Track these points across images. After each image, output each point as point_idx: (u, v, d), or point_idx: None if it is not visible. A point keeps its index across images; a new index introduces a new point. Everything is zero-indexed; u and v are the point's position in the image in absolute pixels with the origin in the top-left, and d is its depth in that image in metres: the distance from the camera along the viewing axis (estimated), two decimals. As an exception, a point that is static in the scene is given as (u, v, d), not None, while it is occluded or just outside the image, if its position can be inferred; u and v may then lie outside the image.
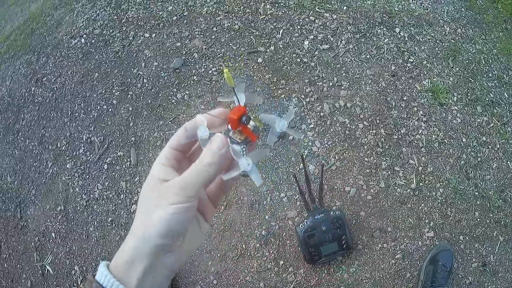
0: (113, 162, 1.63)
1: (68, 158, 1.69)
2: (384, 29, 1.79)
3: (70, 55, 1.94)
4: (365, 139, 1.55)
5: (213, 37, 1.81)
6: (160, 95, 1.72)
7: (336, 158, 1.52)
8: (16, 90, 1.96)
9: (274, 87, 1.66)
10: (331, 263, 1.37)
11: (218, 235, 1.44)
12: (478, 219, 1.43)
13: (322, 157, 1.52)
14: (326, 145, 1.54)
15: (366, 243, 1.40)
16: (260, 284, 1.37)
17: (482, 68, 1.73)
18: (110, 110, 1.74)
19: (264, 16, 1.84)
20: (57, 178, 1.67)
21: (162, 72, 1.77)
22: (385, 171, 1.49)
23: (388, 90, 1.64)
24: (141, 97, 1.73)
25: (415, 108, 1.61)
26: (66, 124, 1.76)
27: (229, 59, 1.75)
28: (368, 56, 1.72)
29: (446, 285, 1.29)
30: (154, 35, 1.87)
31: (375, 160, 1.51)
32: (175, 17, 1.90)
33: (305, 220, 1.29)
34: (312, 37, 1.76)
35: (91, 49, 1.91)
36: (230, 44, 1.78)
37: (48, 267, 1.53)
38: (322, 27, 1.79)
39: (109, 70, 1.83)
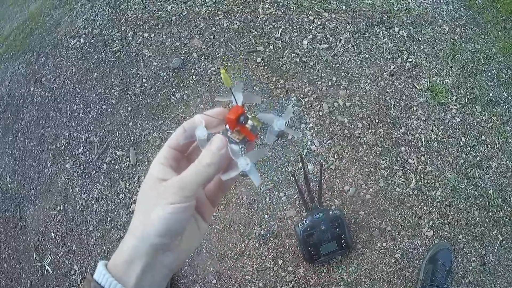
0: (112, 161, 1.63)
1: (67, 158, 1.69)
2: (383, 28, 1.79)
3: (69, 55, 1.94)
4: (364, 139, 1.55)
5: (212, 36, 1.81)
6: (159, 94, 1.72)
7: (335, 157, 1.52)
8: (16, 90, 1.96)
9: (273, 87, 1.66)
10: (330, 263, 1.37)
11: (217, 234, 1.44)
12: (478, 218, 1.43)
13: (321, 157, 1.52)
14: (325, 144, 1.54)
15: (365, 242, 1.40)
16: (259, 284, 1.37)
17: (481, 67, 1.73)
18: (109, 110, 1.74)
19: (263, 15, 1.84)
20: (57, 178, 1.67)
21: (161, 71, 1.77)
22: (384, 171, 1.49)
23: (387, 90, 1.64)
24: (140, 97, 1.73)
25: (414, 108, 1.61)
26: (65, 124, 1.76)
27: (228, 59, 1.75)
28: (367, 56, 1.72)
29: (446, 284, 1.29)
30: (153, 35, 1.87)
31: (374, 160, 1.51)
32: (174, 17, 1.90)
33: (304, 220, 1.29)
34: (311, 36, 1.76)
35: (90, 49, 1.91)
36: (229, 44, 1.78)
37: (47, 267, 1.53)
38: (321, 26, 1.79)
39: (108, 70, 1.83)
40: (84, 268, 1.51)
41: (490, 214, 1.44)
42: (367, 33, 1.77)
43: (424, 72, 1.69)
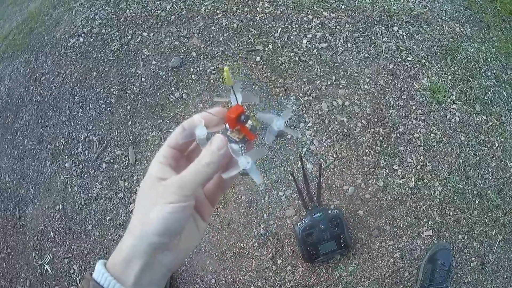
0: (112, 161, 1.63)
1: (66, 157, 1.69)
2: (383, 27, 1.79)
3: (68, 54, 1.94)
4: (364, 138, 1.54)
5: (211, 35, 1.81)
6: (158, 94, 1.72)
7: (334, 156, 1.52)
8: (15, 90, 1.96)
9: (272, 86, 1.66)
10: (329, 262, 1.37)
11: (216, 234, 1.44)
12: (477, 218, 1.43)
13: (320, 156, 1.52)
14: (324, 143, 1.54)
15: (364, 241, 1.40)
16: (258, 283, 1.37)
17: (480, 67, 1.73)
18: (108, 109, 1.74)
19: (262, 14, 1.84)
20: (56, 177, 1.67)
21: (160, 71, 1.76)
22: (384, 170, 1.49)
23: (387, 89, 1.64)
24: (140, 96, 1.73)
25: (414, 107, 1.61)
26: (65, 123, 1.76)
27: (227, 58, 1.75)
28: (366, 55, 1.72)
29: (445, 284, 1.29)
30: (152, 34, 1.87)
31: (373, 159, 1.51)
32: (173, 16, 1.90)
33: (303, 219, 1.28)
34: (310, 35, 1.76)
35: (89, 48, 1.91)
36: (228, 43, 1.78)
37: (46, 266, 1.53)
38: (320, 25, 1.79)
39: (107, 69, 1.83)
40: (83, 268, 1.51)
41: (490, 214, 1.44)
42: (366, 32, 1.77)
43: (424, 72, 1.69)
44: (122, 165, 1.61)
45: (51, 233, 1.58)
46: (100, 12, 2.02)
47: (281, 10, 1.84)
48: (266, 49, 1.75)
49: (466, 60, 1.74)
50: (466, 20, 1.86)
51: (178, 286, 1.40)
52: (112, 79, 1.80)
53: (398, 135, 1.55)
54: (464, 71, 1.71)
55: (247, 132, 0.36)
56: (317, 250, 1.28)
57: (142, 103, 1.72)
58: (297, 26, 1.79)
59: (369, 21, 1.80)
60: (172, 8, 1.93)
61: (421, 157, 1.51)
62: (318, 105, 1.61)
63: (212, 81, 1.71)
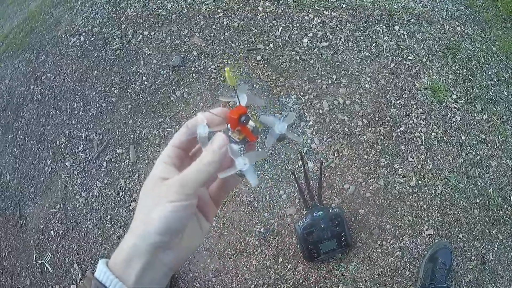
0: (112, 159, 1.63)
1: (67, 156, 1.69)
2: (384, 26, 1.79)
3: (69, 53, 1.94)
4: (364, 137, 1.54)
5: (212, 34, 1.81)
6: (159, 92, 1.72)
7: (335, 155, 1.52)
8: (16, 89, 1.96)
9: (273, 85, 1.66)
10: (330, 261, 1.37)
11: (217, 232, 1.44)
12: (477, 217, 1.43)
13: (321, 155, 1.52)
14: (325, 142, 1.54)
15: (365, 240, 1.40)
16: (259, 282, 1.37)
17: (481, 66, 1.73)
18: (109, 107, 1.74)
19: (263, 13, 1.84)
20: (56, 176, 1.67)
21: (161, 69, 1.76)
22: (384, 169, 1.49)
23: (387, 88, 1.64)
24: (140, 95, 1.73)
25: (414, 106, 1.61)
26: (65, 122, 1.76)
27: (228, 57, 1.75)
28: (367, 54, 1.72)
29: (445, 283, 1.28)
30: (153, 33, 1.87)
31: (374, 158, 1.51)
32: (174, 15, 1.90)
33: (304, 218, 1.28)
34: (311, 34, 1.76)
35: (90, 47, 1.91)
36: (229, 42, 1.78)
37: (47, 265, 1.53)
38: (321, 24, 1.79)
39: (108, 68, 1.83)
40: (84, 266, 1.51)
41: (490, 213, 1.44)
42: (367, 31, 1.77)
43: (425, 71, 1.69)
44: (122, 164, 1.61)
45: (52, 232, 1.58)
46: (101, 11, 2.02)
47: (282, 9, 1.84)
48: (267, 48, 1.75)
49: (467, 59, 1.74)
50: (467, 19, 1.86)
51: (179, 285, 1.40)
52: (112, 78, 1.80)
53: (399, 134, 1.55)
54: (465, 70, 1.71)
55: (248, 133, 0.36)
56: (317, 249, 1.28)
57: (143, 102, 1.72)
58: (298, 25, 1.79)
59: (370, 20, 1.80)
60: (173, 7, 1.93)
61: (422, 156, 1.51)
62: (319, 104, 1.61)
63: (213, 80, 1.71)
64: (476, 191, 1.47)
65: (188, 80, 1.72)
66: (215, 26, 1.83)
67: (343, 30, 1.77)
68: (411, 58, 1.71)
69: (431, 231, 1.40)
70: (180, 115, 1.66)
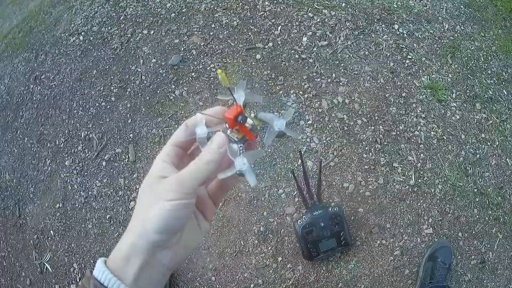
0: (112, 159, 1.63)
1: (66, 155, 1.69)
2: (383, 25, 1.79)
3: (68, 52, 1.93)
4: (364, 136, 1.54)
5: (211, 33, 1.81)
6: (158, 91, 1.72)
7: (335, 154, 1.52)
8: (15, 88, 1.96)
9: (273, 84, 1.66)
10: (329, 260, 1.37)
11: (216, 231, 1.44)
12: (477, 216, 1.43)
13: (320, 153, 1.52)
14: (325, 141, 1.54)
15: (364, 239, 1.39)
16: (258, 281, 1.37)
17: (481, 65, 1.73)
18: (108, 107, 1.74)
19: (262, 12, 1.84)
20: (56, 175, 1.67)
21: (160, 69, 1.76)
22: (384, 168, 1.49)
23: (387, 87, 1.64)
24: (140, 94, 1.73)
25: (414, 105, 1.60)
26: (65, 121, 1.76)
27: (228, 56, 1.74)
28: (366, 53, 1.72)
29: (445, 282, 1.28)
30: (152, 32, 1.87)
31: (373, 156, 1.51)
32: (173, 14, 1.90)
33: (304, 216, 1.28)
34: (310, 33, 1.76)
35: (89, 47, 1.91)
36: (229, 41, 1.78)
37: (47, 264, 1.53)
38: (320, 23, 1.79)
39: (107, 67, 1.83)
40: (83, 266, 1.51)
41: (490, 212, 1.44)
42: (366, 30, 1.77)
43: (424, 70, 1.69)
44: (122, 163, 1.61)
45: (51, 231, 1.58)
46: (100, 10, 2.01)
47: (281, 8, 1.84)
48: (266, 47, 1.75)
49: (466, 58, 1.74)
50: (467, 18, 1.86)
51: (178, 284, 1.40)
52: (112, 77, 1.80)
53: (398, 132, 1.55)
54: (464, 69, 1.71)
55: (247, 132, 0.36)
56: (317, 248, 1.28)
57: (142, 101, 1.71)
58: (297, 24, 1.79)
59: (369, 19, 1.80)
60: (172, 6, 1.93)
61: (422, 155, 1.51)
62: (318, 102, 1.61)
63: (212, 79, 1.70)
64: (475, 190, 1.47)
65: (187, 79, 1.72)
66: (214, 25, 1.83)
67: (343, 29, 1.77)
68: (410, 57, 1.71)
69: (431, 230, 1.40)
70: (179, 114, 1.66)
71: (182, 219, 0.34)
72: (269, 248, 1.40)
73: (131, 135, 1.65)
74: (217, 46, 1.77)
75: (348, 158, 1.51)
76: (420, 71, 1.68)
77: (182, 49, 1.79)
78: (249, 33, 1.79)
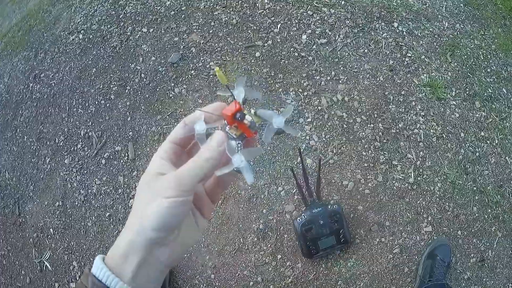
0: (111, 157, 1.63)
1: (66, 153, 1.69)
2: (383, 23, 1.78)
3: (68, 50, 1.93)
4: (363, 133, 1.54)
5: (210, 31, 1.81)
6: (157, 89, 1.72)
7: (334, 152, 1.52)
8: (14, 87, 1.96)
9: (272, 81, 1.66)
10: (328, 257, 1.37)
11: (215, 229, 1.44)
12: (476, 214, 1.43)
13: (319, 151, 1.52)
14: (324, 139, 1.54)
15: (363, 237, 1.39)
16: (257, 279, 1.37)
17: (480, 63, 1.73)
18: (107, 105, 1.73)
19: (261, 10, 1.83)
20: (55, 173, 1.67)
21: (159, 66, 1.76)
22: (383, 165, 1.49)
23: (386, 85, 1.64)
24: (139, 92, 1.73)
25: (413, 103, 1.60)
26: (64, 119, 1.76)
27: (227, 54, 1.74)
28: (366, 51, 1.71)
29: (444, 280, 1.28)
30: (151, 30, 1.87)
31: (373, 154, 1.50)
32: (172, 12, 1.90)
33: (303, 214, 1.28)
34: (310, 31, 1.76)
35: (89, 45, 1.91)
36: (228, 39, 1.78)
37: (46, 263, 1.53)
38: (320, 21, 1.79)
39: (106, 65, 1.83)
40: (83, 264, 1.51)
41: (489, 210, 1.44)
42: (366, 28, 1.77)
43: (423, 68, 1.69)
44: (121, 161, 1.61)
45: (51, 229, 1.58)
46: (100, 8, 2.01)
47: (281, 5, 1.84)
48: (266, 44, 1.75)
49: (466, 57, 1.74)
50: (466, 17, 1.86)
51: (177, 282, 1.40)
52: (111, 75, 1.80)
53: (398, 130, 1.55)
54: (464, 67, 1.71)
55: (245, 129, 0.36)
56: (316, 246, 1.28)
57: (141, 99, 1.71)
58: (296, 21, 1.79)
59: (369, 17, 1.80)
60: (171, 4, 1.93)
61: (421, 152, 1.51)
62: (318, 100, 1.61)
63: (211, 76, 1.70)
64: (475, 188, 1.47)
65: (186, 77, 1.72)
66: (214, 23, 1.83)
67: (342, 27, 1.77)
68: (410, 55, 1.71)
69: (430, 228, 1.40)
70: (179, 112, 1.66)
71: (180, 216, 0.33)
72: (269, 245, 1.40)
73: (130, 133, 1.65)
74: (216, 44, 1.77)
75: (347, 156, 1.51)
76: (420, 69, 1.68)
77: (182, 47, 1.79)
78: (249, 31, 1.79)
